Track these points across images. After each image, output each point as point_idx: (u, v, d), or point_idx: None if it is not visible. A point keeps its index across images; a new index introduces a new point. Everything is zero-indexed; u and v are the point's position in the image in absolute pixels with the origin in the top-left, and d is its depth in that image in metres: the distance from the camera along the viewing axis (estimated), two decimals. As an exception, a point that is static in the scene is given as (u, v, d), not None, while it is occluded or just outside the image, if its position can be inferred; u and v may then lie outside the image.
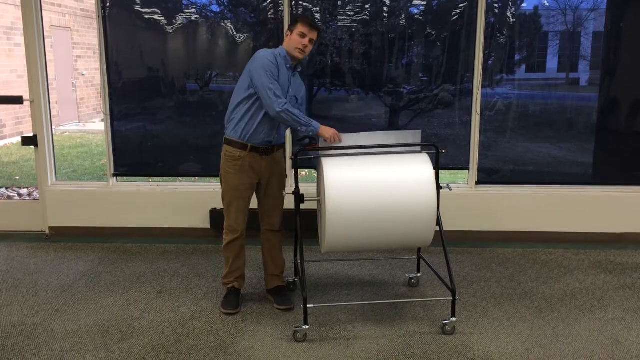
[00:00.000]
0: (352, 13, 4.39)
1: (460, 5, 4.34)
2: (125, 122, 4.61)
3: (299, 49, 3.13)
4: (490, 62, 4.46)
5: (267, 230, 3.42)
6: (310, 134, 3.12)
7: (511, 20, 4.40)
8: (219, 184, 4.59)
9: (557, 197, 4.49)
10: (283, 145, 3.41)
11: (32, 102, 4.50)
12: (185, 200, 4.59)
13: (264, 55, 3.11)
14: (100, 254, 4.28)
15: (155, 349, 2.92)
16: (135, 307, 3.40)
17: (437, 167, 3.15)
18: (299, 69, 3.30)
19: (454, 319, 3.08)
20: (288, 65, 3.18)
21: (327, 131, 3.11)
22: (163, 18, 4.42)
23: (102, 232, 4.65)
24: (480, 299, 3.51)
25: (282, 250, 3.50)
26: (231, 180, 3.25)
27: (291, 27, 3.17)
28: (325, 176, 2.99)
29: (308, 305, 3.02)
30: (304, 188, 3.24)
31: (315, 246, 3.85)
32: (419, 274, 3.73)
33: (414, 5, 4.43)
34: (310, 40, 3.15)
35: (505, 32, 4.42)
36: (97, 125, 11.87)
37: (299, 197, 3.14)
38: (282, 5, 4.28)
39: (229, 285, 3.41)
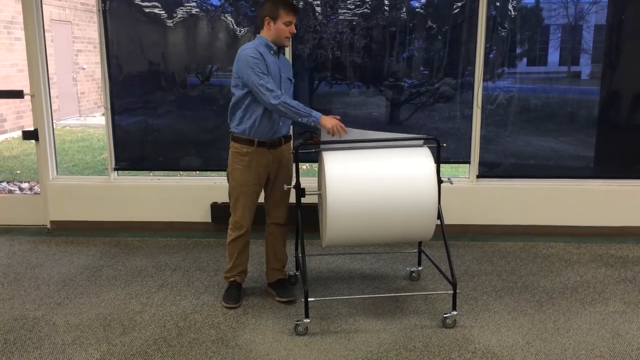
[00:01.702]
0: (353, 6, 4.38)
1: (461, -2, 4.33)
2: (125, 116, 4.61)
3: (288, 37, 3.11)
4: (491, 56, 4.44)
5: (272, 223, 3.42)
6: (312, 124, 3.09)
7: (512, 13, 4.39)
8: (220, 177, 4.63)
9: (558, 191, 4.49)
10: (290, 138, 3.39)
11: (32, 96, 4.50)
12: (186, 194, 4.60)
13: (246, 53, 3.07)
14: (101, 248, 4.28)
15: (156, 343, 2.93)
16: (136, 300, 3.41)
17: (438, 160, 3.15)
18: (282, 50, 3.25)
19: (454, 313, 3.09)
20: (272, 52, 3.14)
21: (328, 122, 3.07)
22: (163, 12, 4.41)
23: (103, 226, 4.66)
24: (481, 292, 3.52)
25: (285, 245, 3.51)
26: (238, 176, 3.24)
27: (273, 15, 3.07)
28: (326, 170, 2.99)
29: (309, 299, 3.03)
30: (305, 182, 3.24)
31: (316, 240, 3.86)
32: (419, 268, 3.74)
33: (415, -2, 4.42)
34: (295, 24, 3.12)
35: (506, 25, 4.41)
36: (98, 120, 11.86)
37: (300, 191, 3.14)
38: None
39: (231, 279, 3.41)
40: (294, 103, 3.05)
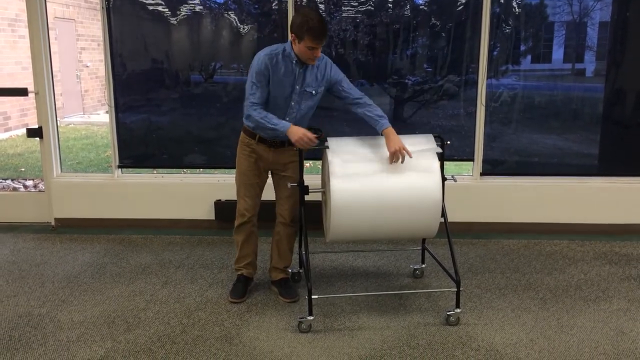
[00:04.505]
0: (357, 3, 4.37)
1: (465, -4, 4.32)
2: (129, 114, 4.61)
3: (310, 59, 3.05)
4: (495, 53, 4.43)
5: (279, 222, 3.42)
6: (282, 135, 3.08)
7: (517, 10, 4.37)
8: (224, 175, 4.64)
9: (562, 188, 4.48)
10: None
11: (36, 94, 4.51)
12: (190, 191, 4.60)
13: (256, 59, 3.07)
14: (105, 245, 4.29)
15: (160, 340, 2.93)
16: (140, 297, 3.42)
17: (442, 158, 3.14)
18: (313, 63, 3.10)
19: (458, 310, 3.09)
20: (294, 61, 3.08)
21: (294, 134, 3.02)
22: (167, 9, 4.41)
23: (108, 224, 4.67)
24: (484, 290, 3.52)
25: (292, 248, 3.48)
26: (241, 164, 3.30)
27: (299, 35, 2.98)
28: (330, 167, 2.99)
29: (312, 296, 3.03)
30: (309, 179, 3.24)
31: (320, 238, 3.86)
32: (423, 265, 3.74)
33: (419, -5, 4.41)
34: (320, 47, 3.04)
35: (510, 22, 4.39)
36: (102, 117, 11.88)
37: (304, 189, 3.14)
38: (286, -4, 4.27)
39: (239, 273, 3.44)
40: (261, 116, 3.04)
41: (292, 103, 3.14)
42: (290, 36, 3.05)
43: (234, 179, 3.37)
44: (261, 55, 3.08)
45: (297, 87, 3.13)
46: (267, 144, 3.22)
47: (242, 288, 3.40)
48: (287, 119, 3.15)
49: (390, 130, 3.05)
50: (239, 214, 3.35)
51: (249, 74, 3.13)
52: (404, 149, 2.98)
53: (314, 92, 3.17)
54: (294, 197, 3.32)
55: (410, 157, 2.99)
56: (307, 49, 2.99)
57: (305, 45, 2.98)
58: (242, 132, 3.30)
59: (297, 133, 3.01)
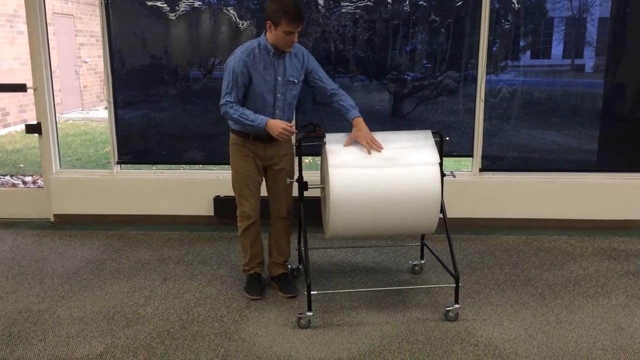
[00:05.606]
0: (356, -1, 4.37)
1: (464, -9, 4.31)
2: (128, 110, 4.61)
3: (287, 45, 3.06)
4: (494, 49, 4.43)
5: (275, 216, 3.43)
6: (261, 131, 3.10)
7: (516, 5, 4.37)
8: (223, 171, 4.64)
9: (561, 184, 4.48)
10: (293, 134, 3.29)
11: (35, 89, 4.50)
12: (189, 187, 4.60)
13: (234, 58, 3.08)
14: (105, 241, 4.30)
15: (160, 335, 2.94)
16: (140, 293, 3.42)
17: (441, 154, 3.14)
18: (290, 50, 3.12)
19: (457, 306, 3.09)
20: (272, 53, 3.09)
21: (273, 129, 3.05)
22: (166, 5, 4.40)
23: (107, 220, 4.67)
24: (483, 285, 3.52)
25: (290, 241, 3.49)
26: (238, 166, 3.28)
27: (274, 21, 2.98)
28: (329, 163, 2.99)
29: (312, 292, 3.03)
30: (308, 175, 3.24)
31: (319, 233, 3.86)
32: (422, 261, 3.74)
33: (418, -9, 4.40)
34: (297, 32, 3.05)
35: (510, 18, 4.39)
36: (101, 113, 11.87)
37: (302, 185, 3.14)
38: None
39: (251, 272, 3.44)
40: (238, 113, 3.06)
41: (278, 95, 3.16)
42: (267, 23, 3.05)
43: (231, 182, 3.35)
44: (238, 53, 3.09)
45: (280, 78, 3.14)
46: (263, 140, 3.21)
47: (259, 285, 3.40)
48: (277, 111, 3.18)
49: (360, 120, 3.11)
50: (243, 217, 3.32)
51: (225, 71, 3.11)
52: (374, 142, 3.04)
53: (295, 80, 3.20)
54: (289, 190, 3.34)
55: (379, 151, 3.02)
56: (284, 34, 3.00)
57: (281, 30, 2.98)
58: (232, 135, 3.27)
59: (277, 127, 3.05)
